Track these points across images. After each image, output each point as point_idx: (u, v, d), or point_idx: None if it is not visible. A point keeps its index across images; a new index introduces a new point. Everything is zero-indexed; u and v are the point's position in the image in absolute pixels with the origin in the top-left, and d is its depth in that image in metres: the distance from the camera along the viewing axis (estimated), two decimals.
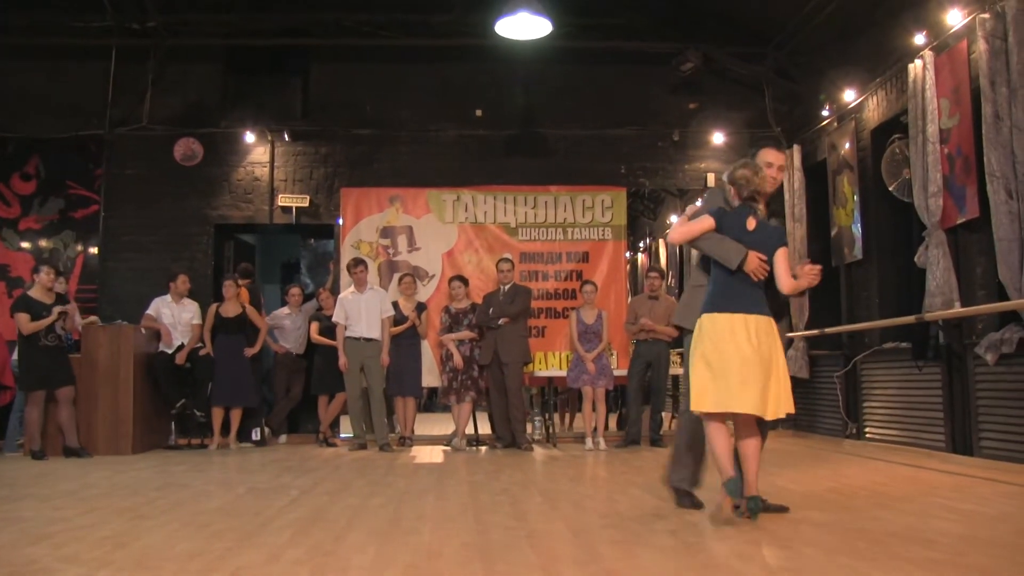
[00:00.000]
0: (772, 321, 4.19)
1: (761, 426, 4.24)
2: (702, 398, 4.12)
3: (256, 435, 9.10)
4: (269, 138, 10.03)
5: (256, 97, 10.05)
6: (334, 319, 8.71)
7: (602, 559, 3.42)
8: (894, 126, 7.86)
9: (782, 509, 4.41)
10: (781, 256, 4.21)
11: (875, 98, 8.15)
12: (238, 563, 3.38)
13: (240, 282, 9.16)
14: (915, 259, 7.06)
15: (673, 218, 14.25)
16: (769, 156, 4.48)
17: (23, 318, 7.82)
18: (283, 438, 9.32)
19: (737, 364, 4.04)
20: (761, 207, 4.32)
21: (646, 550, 3.58)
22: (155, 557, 3.52)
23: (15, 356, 8.33)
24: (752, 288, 4.18)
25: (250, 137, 9.97)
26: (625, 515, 4.29)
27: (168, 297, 8.88)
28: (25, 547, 3.76)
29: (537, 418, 9.53)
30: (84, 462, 7.62)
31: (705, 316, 4.21)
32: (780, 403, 4.10)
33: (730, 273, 4.19)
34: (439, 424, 10.79)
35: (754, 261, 4.15)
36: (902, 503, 4.77)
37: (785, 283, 4.21)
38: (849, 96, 8.52)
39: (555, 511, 4.63)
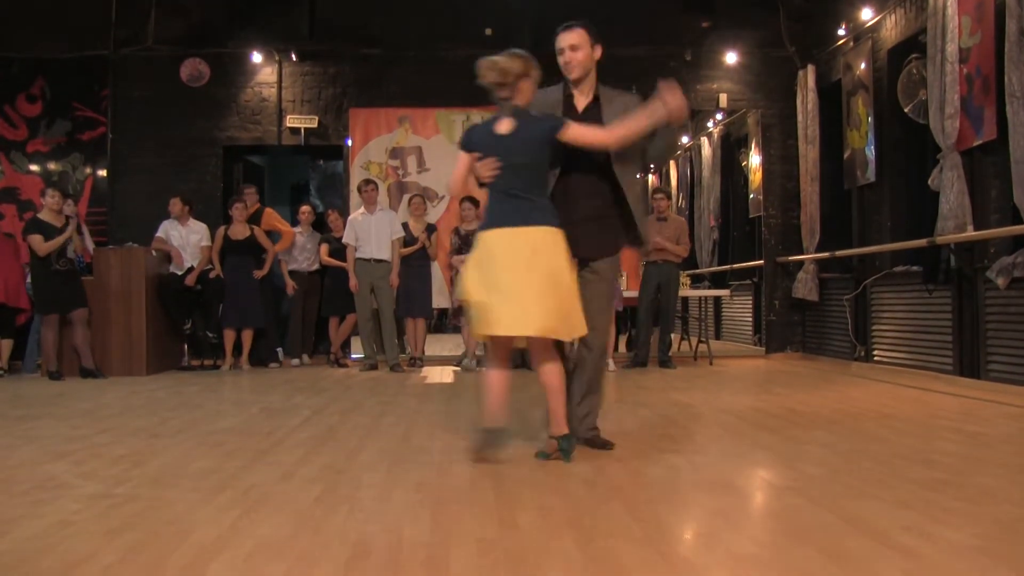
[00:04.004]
0: (555, 232, 3.70)
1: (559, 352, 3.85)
2: (479, 322, 3.73)
3: (280, 355, 9.31)
4: (276, 58, 9.89)
5: (262, 16, 9.86)
6: (344, 240, 8.71)
7: (610, 477, 3.48)
8: (912, 46, 7.69)
9: (607, 446, 4.03)
10: (571, 131, 3.76)
11: (893, 16, 7.96)
12: (252, 481, 3.45)
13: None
14: (929, 182, 6.98)
15: (685, 139, 14.12)
16: (557, 42, 4.06)
17: (36, 239, 7.86)
18: (298, 361, 9.37)
19: (504, 282, 3.63)
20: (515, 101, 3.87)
21: (654, 468, 3.64)
22: (171, 475, 3.60)
23: (29, 279, 8.40)
24: (519, 200, 3.72)
25: (257, 57, 9.83)
26: (633, 435, 4.35)
27: (176, 219, 8.90)
28: (45, 464, 3.85)
29: None
30: (99, 383, 7.74)
31: (478, 235, 3.84)
32: (566, 322, 3.67)
33: (490, 188, 3.84)
34: (449, 345, 10.88)
35: (476, 168, 3.84)
36: (908, 425, 4.81)
37: (599, 138, 3.77)
38: (866, 15, 8.32)
39: None
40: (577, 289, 3.75)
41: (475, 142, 3.91)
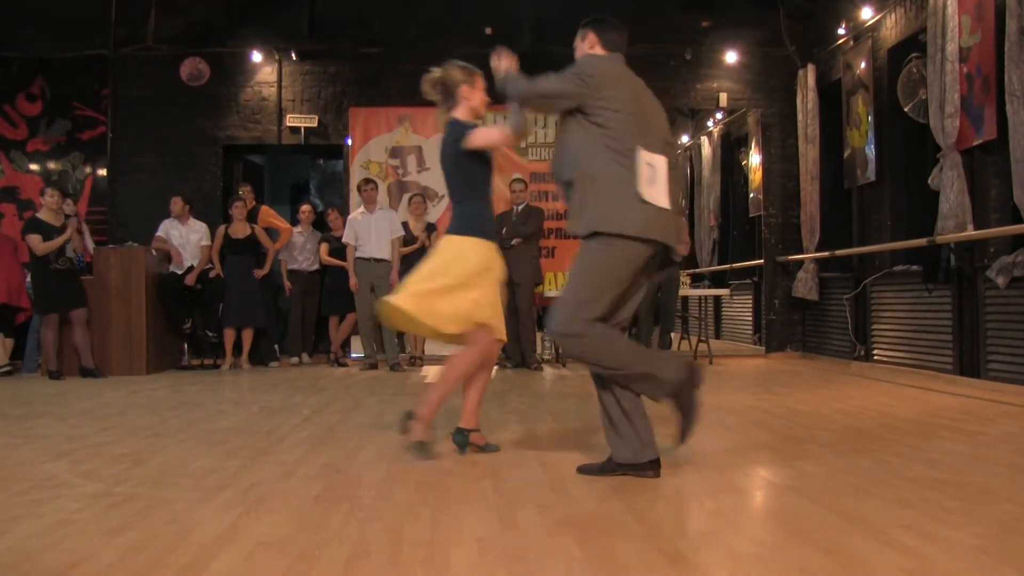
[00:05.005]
0: (448, 239, 4.07)
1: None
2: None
3: (277, 352, 9.33)
4: (276, 57, 9.89)
5: (262, 16, 9.86)
6: (344, 240, 8.72)
7: (610, 477, 3.47)
8: (912, 45, 7.69)
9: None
10: (471, 140, 4.09)
11: (893, 16, 7.96)
12: (252, 480, 3.45)
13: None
14: (929, 181, 6.98)
15: (685, 138, 14.12)
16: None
17: (35, 239, 7.85)
18: (298, 360, 9.36)
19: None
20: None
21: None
22: (171, 474, 3.60)
23: (29, 278, 8.39)
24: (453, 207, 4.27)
25: (257, 56, 9.82)
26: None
27: (176, 219, 8.90)
28: (45, 463, 3.85)
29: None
30: (99, 382, 7.74)
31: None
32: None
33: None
34: (449, 344, 10.86)
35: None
36: (907, 424, 4.81)
37: (496, 138, 4.21)
38: (866, 14, 8.32)
39: (564, 429, 4.70)
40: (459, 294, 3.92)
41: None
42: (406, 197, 9.50)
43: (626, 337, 3.69)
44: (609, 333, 3.44)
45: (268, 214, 9.35)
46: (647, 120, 3.55)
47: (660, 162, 3.44)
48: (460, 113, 4.13)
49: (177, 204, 8.89)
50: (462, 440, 3.99)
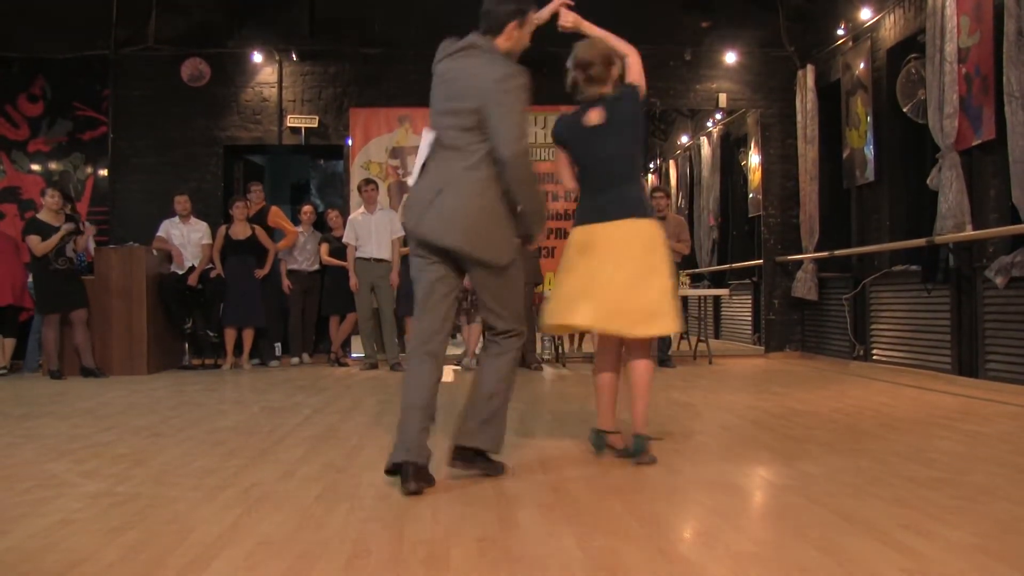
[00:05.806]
0: (643, 223, 3.66)
1: (636, 351, 3.78)
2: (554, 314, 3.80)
3: (277, 352, 9.34)
4: (277, 58, 9.90)
5: (262, 16, 9.87)
6: (344, 240, 8.72)
7: (609, 476, 3.49)
8: (911, 46, 7.70)
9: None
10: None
11: (892, 16, 7.97)
12: (252, 479, 3.46)
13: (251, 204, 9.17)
14: (928, 181, 6.99)
15: (684, 138, 14.13)
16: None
17: (34, 240, 7.87)
18: (298, 360, 9.38)
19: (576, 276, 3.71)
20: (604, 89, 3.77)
21: (653, 467, 3.64)
22: (172, 473, 3.61)
23: (31, 279, 8.41)
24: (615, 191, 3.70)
25: (257, 57, 9.84)
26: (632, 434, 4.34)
27: (177, 219, 8.91)
28: (46, 462, 3.86)
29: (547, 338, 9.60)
30: (100, 382, 7.75)
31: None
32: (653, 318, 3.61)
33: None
34: (449, 344, 10.88)
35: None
36: (906, 423, 4.82)
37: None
38: (865, 15, 8.33)
39: (563, 429, 4.70)
40: (672, 284, 3.69)
41: (568, 138, 3.88)
42: (406, 197, 9.48)
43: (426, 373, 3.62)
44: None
45: (277, 215, 9.34)
46: (448, 99, 3.36)
47: (429, 139, 3.25)
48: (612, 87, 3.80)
49: (186, 204, 8.90)
50: (599, 442, 3.92)
